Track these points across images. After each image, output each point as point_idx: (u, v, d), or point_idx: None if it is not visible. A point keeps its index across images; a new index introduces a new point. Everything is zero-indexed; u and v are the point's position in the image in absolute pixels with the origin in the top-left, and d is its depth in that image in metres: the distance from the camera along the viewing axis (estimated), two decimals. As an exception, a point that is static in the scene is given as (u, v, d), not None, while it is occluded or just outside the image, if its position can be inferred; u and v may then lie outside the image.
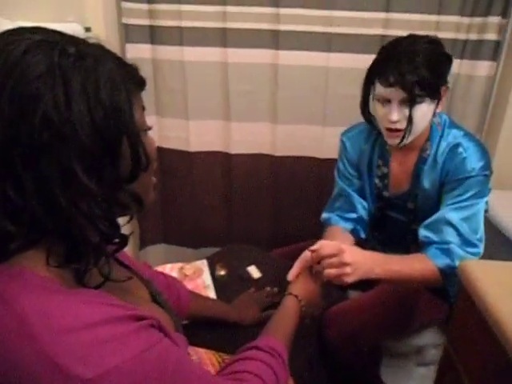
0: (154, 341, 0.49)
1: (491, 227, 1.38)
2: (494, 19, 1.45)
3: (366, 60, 1.49)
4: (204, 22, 1.51)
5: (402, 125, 1.02)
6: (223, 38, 1.52)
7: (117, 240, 0.53)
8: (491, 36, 1.47)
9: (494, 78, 1.54)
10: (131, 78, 0.53)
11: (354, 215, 1.24)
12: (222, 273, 1.26)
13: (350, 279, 0.92)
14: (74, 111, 0.45)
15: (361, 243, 1.20)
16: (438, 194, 1.10)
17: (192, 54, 1.55)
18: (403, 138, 1.04)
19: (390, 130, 1.05)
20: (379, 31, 1.51)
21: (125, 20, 1.51)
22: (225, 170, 1.72)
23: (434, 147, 1.09)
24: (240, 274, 1.27)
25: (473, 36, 1.49)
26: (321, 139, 1.63)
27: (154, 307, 0.66)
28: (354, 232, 1.24)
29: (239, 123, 1.62)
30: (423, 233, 1.07)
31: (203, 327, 1.04)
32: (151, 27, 1.53)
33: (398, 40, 1.03)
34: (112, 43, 1.53)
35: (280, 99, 1.59)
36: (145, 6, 1.51)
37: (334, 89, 1.57)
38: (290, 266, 1.31)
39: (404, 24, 1.49)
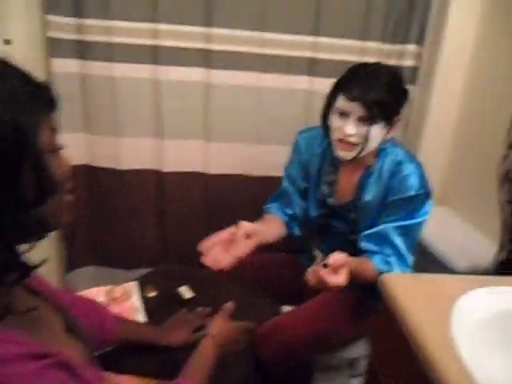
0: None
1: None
2: (411, 47, 1.57)
3: (297, 81, 1.58)
4: (135, 38, 1.49)
5: (355, 139, 1.08)
6: (155, 55, 1.51)
7: (17, 269, 0.50)
8: (409, 62, 1.58)
9: (412, 101, 1.65)
10: (39, 98, 0.51)
11: (290, 211, 1.31)
12: (153, 294, 1.23)
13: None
14: None
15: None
16: (379, 208, 1.16)
17: (123, 70, 1.52)
18: (353, 152, 1.10)
19: (341, 141, 1.10)
20: (308, 54, 1.57)
21: (50, 34, 1.45)
22: (157, 189, 1.68)
23: (380, 163, 1.16)
24: (171, 295, 1.24)
25: (393, 62, 1.60)
26: (254, 157, 1.65)
27: (65, 339, 0.62)
28: (287, 225, 1.31)
29: (172, 141, 1.61)
30: (365, 243, 1.15)
31: (130, 353, 1.00)
32: (79, 42, 1.49)
33: (367, 63, 1.13)
34: (35, 57, 1.46)
35: (213, 117, 1.60)
36: (72, 20, 1.46)
37: (265, 108, 1.61)
38: (224, 284, 1.32)
39: (331, 48, 1.56)
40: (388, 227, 1.12)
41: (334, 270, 0.99)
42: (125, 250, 1.75)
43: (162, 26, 1.48)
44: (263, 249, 1.48)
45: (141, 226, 1.73)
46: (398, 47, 1.58)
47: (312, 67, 1.58)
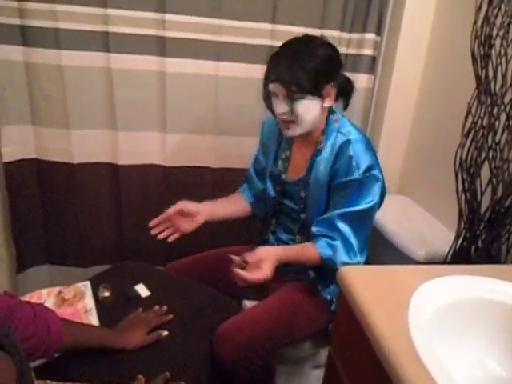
0: None
1: (372, 230, 1.46)
2: (370, 36, 1.56)
3: (254, 69, 1.54)
4: (83, 24, 1.41)
5: (287, 117, 1.11)
6: (105, 42, 1.43)
7: None
8: (368, 51, 1.58)
9: (372, 90, 1.65)
10: None
11: (253, 192, 1.38)
12: (107, 294, 1.17)
13: (269, 272, 1.07)
14: None
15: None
16: (327, 187, 1.16)
17: (71, 58, 1.43)
18: (295, 129, 1.13)
19: (280, 121, 1.14)
20: (266, 42, 1.54)
21: (-10, 18, 1.35)
22: (113, 183, 1.61)
23: (330, 141, 1.15)
24: (126, 294, 1.19)
25: (352, 50, 1.59)
26: (213, 148, 1.61)
27: None
28: (253, 205, 1.38)
29: (126, 132, 1.54)
30: (315, 227, 1.17)
31: (81, 357, 0.95)
32: (22, 27, 1.39)
33: (290, 40, 1.13)
34: (-27, 43, 1.36)
35: (169, 108, 1.54)
36: (13, 4, 1.36)
37: (224, 97, 1.56)
38: (181, 282, 1.28)
39: (289, 36, 1.52)
40: (333, 214, 1.13)
41: (257, 264, 1.08)
42: (80, 248, 1.68)
43: (112, 11, 1.40)
44: (221, 244, 1.48)
45: (96, 222, 1.66)
46: (356, 36, 1.57)
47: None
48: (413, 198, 1.61)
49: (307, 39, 1.12)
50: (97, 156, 1.57)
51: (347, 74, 1.58)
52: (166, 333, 1.06)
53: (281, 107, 1.11)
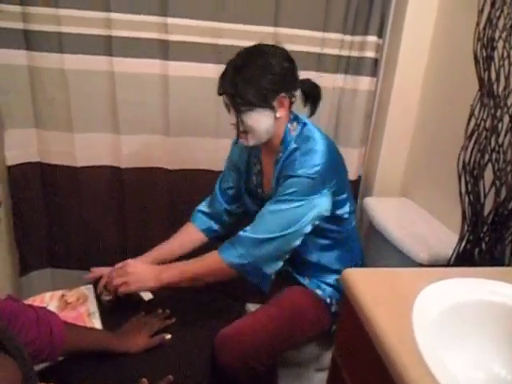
0: None
1: (375, 233, 1.46)
2: (372, 38, 1.56)
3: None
4: (86, 28, 1.42)
5: (241, 128, 1.10)
6: (108, 46, 1.44)
7: None
8: (370, 54, 1.58)
9: (374, 92, 1.65)
10: None
11: (209, 210, 1.38)
12: (109, 297, 1.17)
13: (132, 287, 1.10)
14: None
15: None
16: None
17: (74, 62, 1.44)
18: (252, 140, 1.12)
19: (237, 132, 1.13)
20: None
21: (-6, 22, 1.36)
22: (116, 186, 1.61)
23: (288, 150, 1.14)
24: (130, 297, 1.19)
25: (354, 53, 1.59)
26: (214, 151, 1.61)
27: None
28: (206, 231, 1.36)
29: (129, 136, 1.54)
30: None
31: (84, 361, 0.95)
32: (25, 31, 1.40)
33: (240, 52, 1.11)
34: (-23, 47, 1.36)
35: (171, 111, 1.54)
36: (17, 8, 1.37)
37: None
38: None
39: (292, 38, 1.53)
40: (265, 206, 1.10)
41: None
42: (83, 251, 1.68)
43: (115, 15, 1.41)
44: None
45: (99, 225, 1.66)
46: (358, 38, 1.57)
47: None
48: (415, 201, 1.60)
49: (257, 50, 1.10)
50: (100, 159, 1.58)
51: (350, 77, 1.61)
52: (169, 336, 1.06)
53: (231, 118, 1.11)
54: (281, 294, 1.23)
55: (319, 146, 1.10)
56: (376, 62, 1.61)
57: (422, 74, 1.58)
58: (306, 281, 1.25)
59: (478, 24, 0.99)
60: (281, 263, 1.11)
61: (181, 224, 1.42)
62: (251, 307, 1.37)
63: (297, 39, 1.54)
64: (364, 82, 1.61)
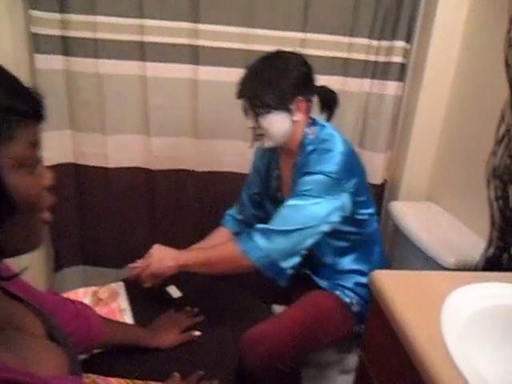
0: None
1: (401, 237, 1.46)
2: (400, 43, 1.56)
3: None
4: (121, 34, 1.47)
5: (258, 131, 1.15)
6: (141, 51, 1.49)
7: None
8: (397, 59, 1.58)
9: (401, 97, 1.65)
10: (15, 107, 0.46)
11: (240, 217, 1.41)
12: (140, 294, 1.21)
13: (153, 269, 1.12)
14: None
15: None
16: None
17: (108, 66, 1.50)
18: (267, 142, 1.16)
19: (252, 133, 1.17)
20: (297, 50, 1.55)
21: (34, 29, 1.42)
22: (146, 187, 1.66)
23: (304, 153, 1.16)
24: (159, 295, 1.23)
25: (381, 58, 1.60)
26: (242, 154, 1.64)
27: (46, 346, 0.60)
28: (238, 234, 1.37)
29: (160, 138, 1.59)
30: None
31: (118, 354, 0.99)
32: (63, 38, 1.46)
33: (260, 57, 1.15)
34: (19, 53, 1.43)
35: (201, 114, 1.58)
36: (56, 16, 1.43)
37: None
38: (212, 284, 1.31)
39: (319, 44, 1.55)
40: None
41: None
42: (113, 249, 1.73)
43: (148, 22, 1.45)
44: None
45: (129, 225, 1.71)
46: (386, 43, 1.58)
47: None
48: (441, 205, 1.60)
49: (275, 55, 1.15)
50: (131, 161, 1.63)
51: (377, 82, 1.62)
52: (197, 333, 1.09)
53: (249, 122, 1.15)
54: (305, 296, 1.24)
55: (336, 147, 1.12)
56: (403, 66, 1.61)
57: (451, 79, 1.57)
58: (324, 283, 1.26)
59: (509, 30, 0.99)
60: (297, 259, 1.10)
61: (208, 224, 1.46)
62: (277, 309, 1.39)
63: (324, 44, 1.56)
64: (391, 87, 1.61)
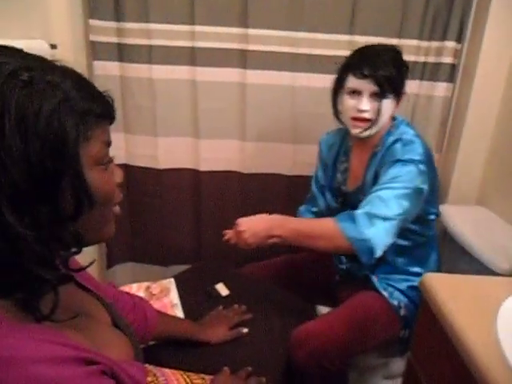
0: None
1: (451, 240, 1.43)
2: (450, 44, 1.53)
3: (331, 80, 1.57)
4: (173, 40, 1.53)
5: (369, 115, 1.14)
6: (192, 56, 1.54)
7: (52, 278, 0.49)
8: (448, 59, 1.55)
9: (451, 98, 1.62)
10: (92, 110, 0.50)
11: (315, 209, 1.41)
12: (190, 291, 1.25)
13: (250, 241, 1.12)
14: (5, 142, 0.42)
15: None
16: (374, 184, 1.16)
17: (161, 71, 1.56)
18: (369, 128, 1.15)
19: (356, 119, 1.16)
20: (344, 52, 1.56)
21: (92, 37, 1.51)
22: (194, 187, 1.71)
23: (386, 143, 1.18)
24: (208, 292, 1.27)
25: (431, 59, 1.57)
26: (289, 156, 1.66)
27: (112, 333, 0.65)
28: None
29: (208, 140, 1.63)
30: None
31: (171, 347, 1.03)
32: (119, 45, 1.53)
33: (370, 44, 1.18)
34: (79, 60, 1.52)
35: (248, 117, 1.61)
36: (113, 24, 1.51)
37: (300, 107, 1.61)
38: (259, 283, 1.33)
39: (367, 46, 1.55)
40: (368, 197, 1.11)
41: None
42: (161, 247, 1.79)
43: (199, 28, 1.50)
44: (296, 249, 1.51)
45: (177, 224, 1.76)
46: (436, 44, 1.55)
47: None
48: (492, 210, 1.55)
49: (385, 44, 1.19)
50: (181, 162, 1.68)
51: (425, 83, 1.59)
52: (246, 330, 1.11)
53: (366, 104, 1.13)
54: (353, 297, 1.25)
55: (416, 140, 1.14)
56: (454, 67, 1.58)
57: (504, 80, 1.52)
58: (374, 279, 1.25)
59: None
60: (389, 243, 1.09)
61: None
62: (322, 309, 1.40)
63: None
64: (440, 88, 1.58)
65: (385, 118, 1.15)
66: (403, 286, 1.24)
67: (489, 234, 1.38)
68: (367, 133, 1.16)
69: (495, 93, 1.54)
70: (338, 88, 1.21)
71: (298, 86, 1.59)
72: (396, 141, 1.15)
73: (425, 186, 1.11)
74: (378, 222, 1.05)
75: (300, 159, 1.67)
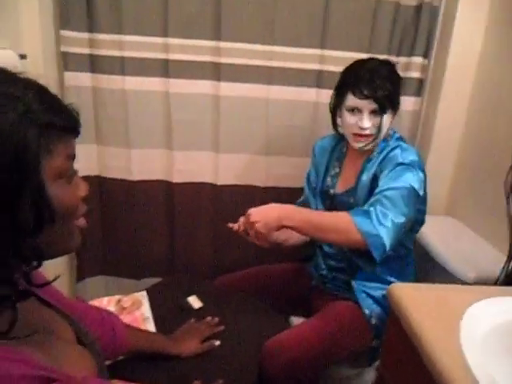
0: None
1: (420, 251, 1.46)
2: (418, 59, 1.59)
3: (304, 92, 1.60)
4: (146, 52, 1.53)
5: (370, 131, 1.19)
6: (165, 68, 1.54)
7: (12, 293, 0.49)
8: (415, 74, 1.60)
9: (419, 112, 1.67)
10: (54, 123, 0.50)
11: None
12: (162, 304, 1.24)
13: (262, 231, 1.11)
14: None
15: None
16: (371, 187, 1.20)
17: (133, 83, 1.55)
18: (371, 142, 1.21)
19: (358, 135, 1.21)
20: (316, 66, 1.60)
21: (64, 48, 1.49)
22: (167, 199, 1.70)
23: (379, 149, 1.23)
24: (180, 305, 1.25)
25: (399, 73, 1.61)
26: (262, 168, 1.67)
27: (76, 350, 0.63)
28: None
29: (181, 152, 1.63)
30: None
31: (142, 361, 1.02)
32: (91, 56, 1.52)
33: (364, 60, 1.25)
34: (49, 71, 1.50)
35: (222, 129, 1.62)
36: (85, 35, 1.49)
37: (274, 119, 1.63)
38: (232, 295, 1.33)
39: (338, 60, 1.58)
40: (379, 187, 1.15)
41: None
42: (134, 260, 1.76)
43: (172, 40, 1.51)
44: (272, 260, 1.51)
45: (150, 237, 1.74)
46: (403, 59, 1.60)
47: (320, 79, 1.60)
48: (461, 220, 1.59)
49: (378, 59, 1.24)
50: (154, 174, 1.67)
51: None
52: (218, 342, 1.11)
53: (367, 122, 1.18)
54: (326, 307, 1.26)
55: (411, 148, 1.22)
56: (421, 82, 1.63)
57: (469, 94, 1.58)
58: (354, 284, 1.26)
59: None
60: (396, 241, 1.10)
61: (226, 238, 1.46)
62: (295, 320, 1.40)
63: (342, 61, 1.58)
64: (408, 102, 1.63)
65: (385, 130, 1.21)
66: (378, 293, 1.25)
67: (457, 244, 1.42)
68: (369, 146, 1.22)
69: (461, 106, 1.60)
70: (337, 104, 1.26)
71: (272, 99, 1.60)
72: (395, 147, 1.20)
73: (422, 192, 1.16)
74: (388, 222, 1.07)
75: (274, 171, 1.68)
